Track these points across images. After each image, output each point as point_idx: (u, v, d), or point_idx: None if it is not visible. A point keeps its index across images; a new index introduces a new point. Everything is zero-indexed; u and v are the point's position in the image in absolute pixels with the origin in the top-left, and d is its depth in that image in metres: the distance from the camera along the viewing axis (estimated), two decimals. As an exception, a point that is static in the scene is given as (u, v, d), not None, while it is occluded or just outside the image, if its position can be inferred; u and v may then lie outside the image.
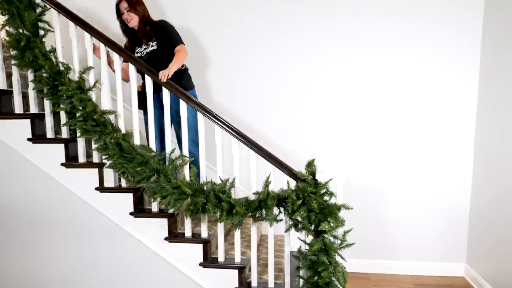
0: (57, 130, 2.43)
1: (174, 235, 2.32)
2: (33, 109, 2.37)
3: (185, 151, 2.26)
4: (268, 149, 2.17)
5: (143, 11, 2.54)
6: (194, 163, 2.51)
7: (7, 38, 2.26)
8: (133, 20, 2.52)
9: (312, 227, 1.94)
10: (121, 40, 3.12)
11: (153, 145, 2.28)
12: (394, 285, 2.97)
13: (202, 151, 2.23)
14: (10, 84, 2.51)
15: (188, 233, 2.31)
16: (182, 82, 2.55)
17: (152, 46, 2.55)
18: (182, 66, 2.60)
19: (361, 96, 3.06)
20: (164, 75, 2.22)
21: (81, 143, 2.36)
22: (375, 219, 3.15)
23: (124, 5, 2.49)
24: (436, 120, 3.01)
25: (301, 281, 2.04)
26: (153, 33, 2.55)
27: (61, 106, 2.26)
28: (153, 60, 2.51)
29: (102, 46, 2.28)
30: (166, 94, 2.23)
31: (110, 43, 2.25)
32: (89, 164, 2.34)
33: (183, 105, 2.22)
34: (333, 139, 3.13)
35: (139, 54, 2.58)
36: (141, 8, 2.53)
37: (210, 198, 2.05)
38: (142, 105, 2.58)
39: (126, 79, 2.62)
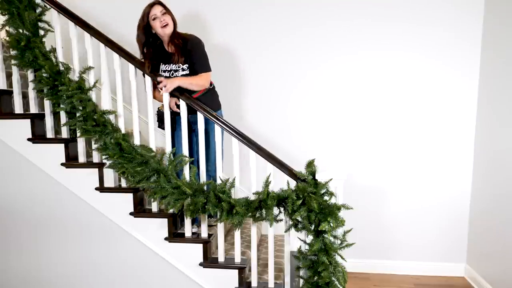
0: (57, 130, 2.43)
1: (174, 235, 2.32)
2: (33, 109, 2.37)
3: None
4: (268, 149, 2.16)
5: (174, 19, 2.26)
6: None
7: (7, 38, 2.26)
8: (169, 26, 2.21)
9: (312, 227, 1.94)
10: (121, 39, 3.12)
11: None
12: (394, 285, 2.97)
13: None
14: (10, 84, 2.51)
15: (188, 233, 2.31)
16: (205, 100, 2.30)
17: (183, 70, 2.29)
18: (210, 84, 2.40)
19: (362, 97, 3.06)
20: (164, 85, 2.12)
21: (81, 143, 2.36)
22: (375, 219, 3.15)
23: (158, 8, 2.19)
24: (436, 121, 3.01)
25: (301, 281, 2.04)
26: (185, 51, 2.25)
27: (61, 106, 2.26)
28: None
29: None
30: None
31: (110, 43, 2.25)
32: (89, 164, 2.34)
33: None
34: (334, 139, 3.12)
35: (167, 74, 2.31)
36: (172, 14, 2.25)
37: (210, 198, 2.05)
38: (162, 123, 2.36)
39: (158, 99, 2.37)
